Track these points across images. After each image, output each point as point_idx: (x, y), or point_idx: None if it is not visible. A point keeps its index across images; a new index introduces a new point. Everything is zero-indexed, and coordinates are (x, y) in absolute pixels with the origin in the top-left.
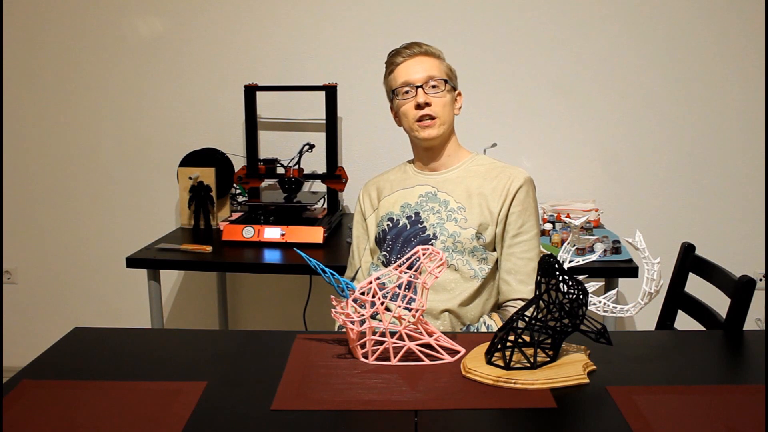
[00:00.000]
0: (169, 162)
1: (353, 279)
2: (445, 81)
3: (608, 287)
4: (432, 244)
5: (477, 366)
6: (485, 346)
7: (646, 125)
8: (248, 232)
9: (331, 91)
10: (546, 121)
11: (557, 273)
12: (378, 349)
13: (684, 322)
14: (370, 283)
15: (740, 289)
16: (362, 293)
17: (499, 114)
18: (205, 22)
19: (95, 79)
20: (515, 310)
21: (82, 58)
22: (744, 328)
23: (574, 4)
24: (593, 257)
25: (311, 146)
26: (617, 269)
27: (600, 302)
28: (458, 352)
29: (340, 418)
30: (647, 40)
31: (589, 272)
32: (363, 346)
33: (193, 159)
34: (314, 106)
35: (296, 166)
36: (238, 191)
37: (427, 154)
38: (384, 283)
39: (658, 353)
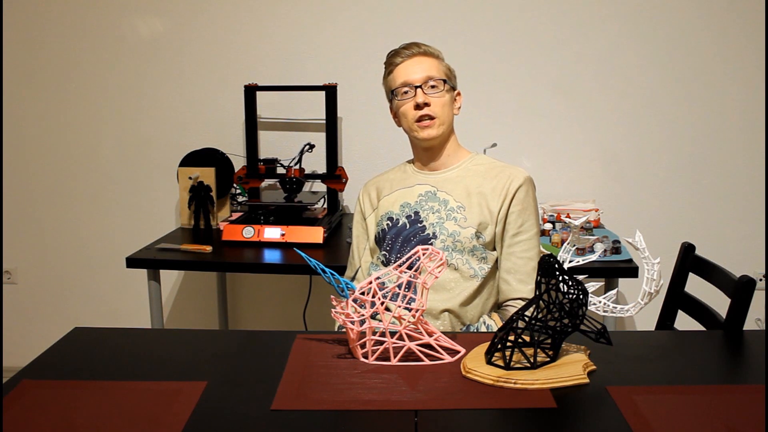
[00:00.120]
0: (169, 162)
1: (353, 279)
2: (444, 81)
3: (608, 287)
4: (431, 244)
5: (477, 366)
6: (485, 346)
7: (646, 125)
8: (248, 232)
9: (331, 91)
10: (546, 121)
11: (557, 273)
12: (378, 349)
13: (684, 322)
14: (370, 283)
15: (740, 289)
16: (362, 293)
17: (499, 114)
18: (205, 22)
19: (95, 79)
20: (515, 309)
21: (82, 58)
22: (744, 328)
23: (574, 4)
24: (593, 257)
25: (311, 146)
26: (617, 269)
27: (600, 302)
28: (458, 352)
29: (340, 418)
30: (647, 40)
31: (589, 272)
32: (363, 346)
33: (193, 159)
34: (314, 106)
35: (297, 166)
36: (238, 191)
37: (426, 154)
38: (384, 283)
39: (658, 353)
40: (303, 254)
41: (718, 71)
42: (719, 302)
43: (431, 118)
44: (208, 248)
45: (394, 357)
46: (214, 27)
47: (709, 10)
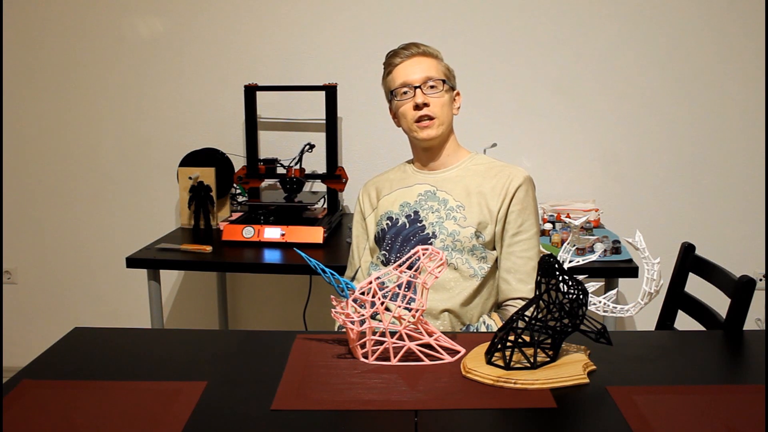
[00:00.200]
0: (169, 162)
1: (353, 279)
2: (443, 81)
3: (608, 287)
4: (431, 243)
5: (477, 366)
6: (485, 346)
7: (646, 125)
8: (248, 232)
9: (331, 91)
10: (546, 121)
11: (557, 273)
12: (378, 349)
13: (684, 322)
14: (370, 283)
15: (740, 289)
16: (362, 293)
17: (499, 114)
18: (205, 22)
19: (95, 79)
20: (515, 309)
21: (82, 58)
22: (744, 328)
23: (574, 4)
24: (593, 257)
25: (311, 146)
26: (617, 269)
27: (600, 302)
28: (458, 352)
29: (340, 418)
30: (647, 40)
31: (589, 272)
32: (363, 346)
33: (193, 159)
34: (314, 106)
35: (297, 166)
36: (238, 191)
37: (426, 154)
38: (384, 283)
39: (658, 353)
40: (303, 254)
41: (718, 71)
42: (719, 302)
43: (430, 118)
44: (208, 248)
45: (394, 357)
46: (214, 27)
47: (709, 10)
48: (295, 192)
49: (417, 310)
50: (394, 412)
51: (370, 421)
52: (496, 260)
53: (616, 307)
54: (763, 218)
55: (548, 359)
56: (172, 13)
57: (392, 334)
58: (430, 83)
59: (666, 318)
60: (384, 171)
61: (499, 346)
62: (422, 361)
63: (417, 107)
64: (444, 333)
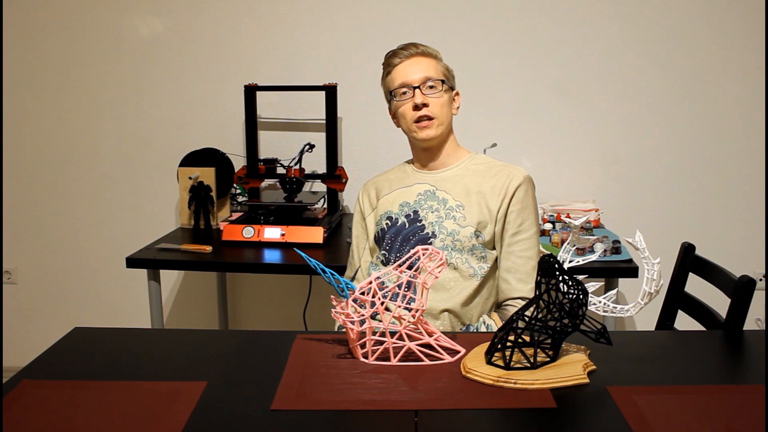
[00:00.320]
0: (169, 162)
1: (353, 279)
2: (443, 81)
3: (608, 287)
4: (431, 243)
5: (477, 366)
6: (485, 346)
7: (646, 125)
8: (248, 232)
9: (331, 91)
10: (546, 121)
11: (557, 273)
12: (378, 349)
13: (684, 322)
14: (370, 283)
15: (740, 289)
16: (362, 293)
17: (499, 114)
18: (205, 22)
19: (95, 78)
20: (515, 309)
21: (82, 58)
22: (744, 328)
23: (574, 4)
24: (593, 257)
25: (311, 146)
26: (617, 269)
27: (600, 302)
28: (458, 352)
29: (340, 418)
30: (647, 40)
31: (589, 272)
32: (363, 346)
33: (193, 159)
34: (314, 106)
35: (297, 166)
36: (238, 191)
37: (425, 154)
38: (384, 283)
39: (658, 353)
40: (303, 254)
41: (718, 71)
42: (719, 302)
43: (430, 118)
44: (208, 248)
45: (394, 357)
46: (214, 27)
47: (709, 10)
48: (294, 192)
49: (417, 310)
50: (394, 412)
51: (370, 421)
52: (496, 260)
53: (616, 307)
54: (763, 218)
55: (548, 359)
56: (172, 13)
57: (392, 334)
58: (429, 83)
59: (666, 318)
60: (384, 171)
61: (499, 346)
62: (422, 361)
63: (416, 107)
64: (444, 333)
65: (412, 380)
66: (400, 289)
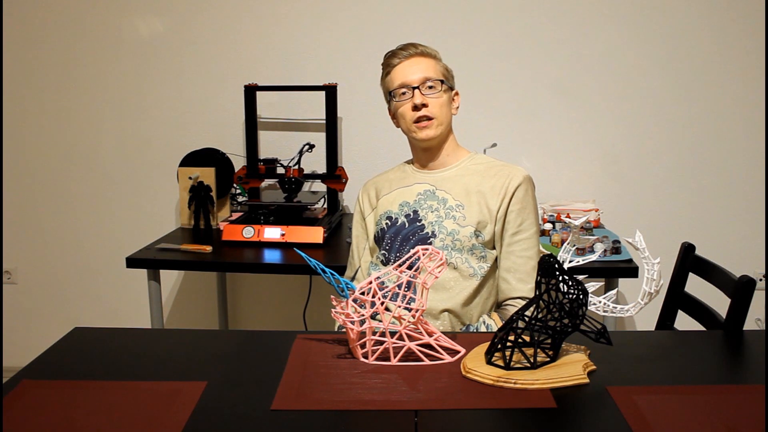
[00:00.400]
0: (169, 162)
1: (353, 279)
2: (442, 81)
3: (608, 287)
4: (431, 243)
5: (477, 366)
6: (485, 346)
7: (646, 125)
8: (248, 232)
9: (331, 91)
10: (546, 121)
11: (557, 273)
12: (378, 349)
13: (684, 322)
14: (370, 283)
15: (740, 289)
16: (362, 293)
17: (499, 114)
18: (205, 22)
19: (95, 79)
20: (515, 308)
21: (82, 58)
22: (744, 328)
23: (574, 4)
24: (593, 257)
25: (311, 146)
26: (617, 269)
27: (600, 302)
28: (458, 352)
29: (340, 418)
30: (647, 40)
31: (589, 272)
32: (363, 346)
33: (193, 159)
34: (314, 106)
35: (296, 166)
36: (238, 191)
37: (425, 154)
38: (384, 283)
39: (658, 353)
40: (303, 254)
41: (718, 71)
42: (719, 302)
43: (429, 118)
44: (208, 248)
45: (394, 357)
46: (214, 27)
47: (709, 10)
48: (293, 192)
49: (417, 310)
50: (394, 412)
51: (370, 421)
52: (496, 260)
53: (616, 307)
54: (763, 218)
55: (548, 359)
56: (172, 13)
57: (392, 334)
58: (429, 83)
59: (666, 318)
60: (383, 171)
61: (499, 346)
62: (422, 361)
63: (415, 108)
64: (444, 333)
65: (412, 380)
66: (400, 289)
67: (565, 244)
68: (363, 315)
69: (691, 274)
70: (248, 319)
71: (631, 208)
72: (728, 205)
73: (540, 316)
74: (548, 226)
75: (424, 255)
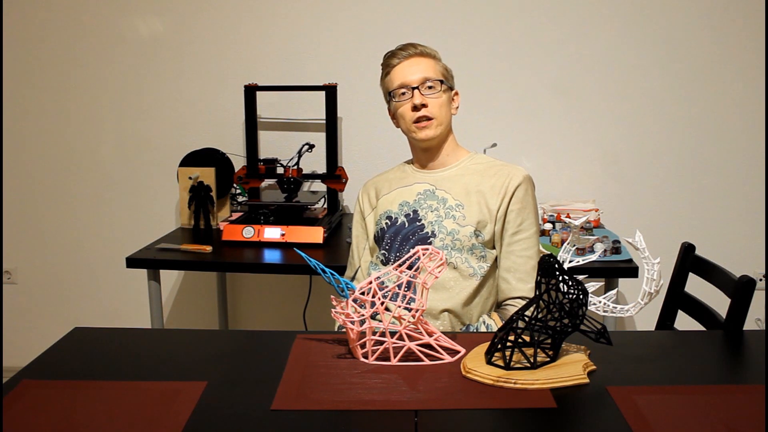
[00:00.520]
0: (169, 162)
1: (353, 279)
2: (441, 81)
3: (608, 287)
4: (430, 242)
5: (477, 366)
6: (485, 346)
7: (646, 125)
8: (248, 232)
9: (331, 91)
10: (546, 121)
11: (557, 273)
12: (378, 349)
13: (684, 322)
14: (370, 283)
15: (740, 289)
16: (362, 293)
17: (499, 114)
18: (205, 22)
19: (95, 79)
20: (515, 308)
21: (82, 57)
22: (744, 328)
23: (574, 4)
24: (593, 257)
25: (311, 146)
26: (617, 269)
27: (600, 302)
28: (458, 352)
29: (340, 418)
30: (647, 40)
31: (589, 272)
32: (363, 346)
33: (193, 159)
34: (314, 106)
35: (295, 166)
36: (238, 191)
37: (425, 154)
38: (384, 283)
39: (658, 353)
40: (303, 254)
41: (718, 71)
42: (719, 302)
43: (429, 118)
44: (208, 248)
45: (394, 357)
46: (214, 27)
47: (709, 10)
48: (293, 192)
49: (417, 310)
50: (394, 412)
51: (370, 421)
52: (496, 259)
53: (616, 307)
54: (763, 218)
55: (548, 359)
56: (172, 13)
57: (392, 334)
58: (428, 84)
59: (666, 318)
60: (383, 171)
61: (499, 346)
62: (422, 361)
63: (415, 108)
64: (444, 333)
65: (412, 380)
66: (400, 289)
67: (565, 244)
68: (363, 315)
69: (691, 274)
70: (248, 319)
71: (631, 208)
72: (728, 205)
73: (540, 316)
74: (548, 226)
75: (424, 255)
